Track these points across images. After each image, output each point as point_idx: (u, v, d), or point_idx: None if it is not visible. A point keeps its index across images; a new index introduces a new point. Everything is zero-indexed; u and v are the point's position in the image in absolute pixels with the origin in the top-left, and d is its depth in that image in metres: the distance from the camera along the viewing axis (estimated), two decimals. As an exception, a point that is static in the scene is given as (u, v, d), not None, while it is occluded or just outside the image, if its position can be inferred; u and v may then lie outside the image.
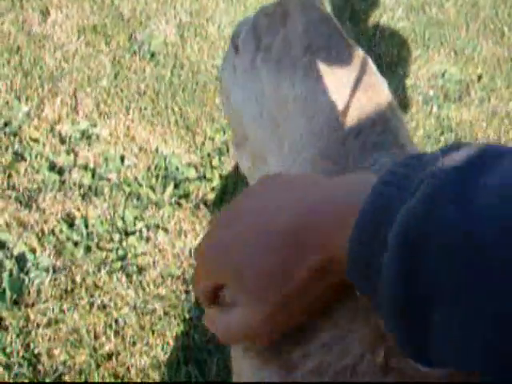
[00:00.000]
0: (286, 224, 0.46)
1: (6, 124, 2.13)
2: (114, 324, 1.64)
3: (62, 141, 2.11)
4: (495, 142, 2.39)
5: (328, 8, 2.90)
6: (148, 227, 1.87)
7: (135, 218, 1.89)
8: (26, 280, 1.69)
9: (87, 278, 1.72)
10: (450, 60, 2.77)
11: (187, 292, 1.72)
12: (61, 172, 2.00)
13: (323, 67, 0.62)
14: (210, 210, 1.93)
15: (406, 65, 2.72)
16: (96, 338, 1.61)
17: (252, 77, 0.69)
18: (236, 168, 2.03)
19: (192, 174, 2.04)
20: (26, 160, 2.01)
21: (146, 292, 1.71)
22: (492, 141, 2.39)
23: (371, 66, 0.65)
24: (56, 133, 2.13)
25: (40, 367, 1.54)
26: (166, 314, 1.67)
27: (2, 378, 1.50)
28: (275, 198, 0.49)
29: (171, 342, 1.61)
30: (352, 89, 0.61)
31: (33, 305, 1.65)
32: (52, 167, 2.01)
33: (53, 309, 1.64)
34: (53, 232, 1.82)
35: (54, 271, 1.72)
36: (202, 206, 1.95)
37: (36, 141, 2.08)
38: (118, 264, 1.76)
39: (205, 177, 2.04)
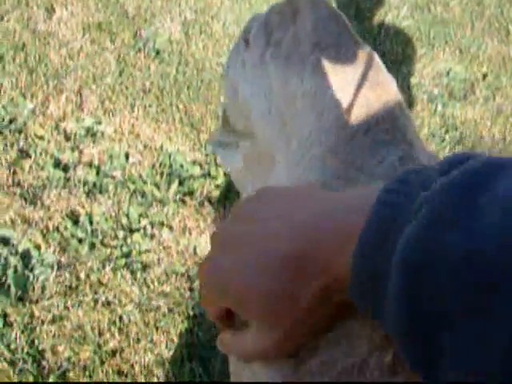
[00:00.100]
0: (287, 249, 0.45)
1: (11, 121, 2.13)
2: (118, 321, 1.64)
3: (67, 138, 2.11)
4: (500, 140, 2.39)
5: (333, 6, 2.90)
6: (152, 224, 1.87)
7: (140, 215, 1.89)
8: (31, 276, 1.69)
9: (91, 274, 1.72)
10: (455, 58, 2.77)
11: (191, 289, 1.72)
12: (65, 169, 2.00)
13: (332, 64, 0.62)
14: (214, 207, 1.93)
15: (411, 63, 2.71)
16: (100, 334, 1.61)
17: (260, 72, 0.69)
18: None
19: (197, 171, 2.04)
20: (30, 157, 2.02)
21: (151, 289, 1.71)
22: (497, 139, 2.39)
23: (379, 63, 0.65)
24: (61, 130, 2.13)
25: (44, 363, 1.54)
26: (170, 311, 1.67)
27: (6, 374, 1.51)
28: (275, 219, 0.48)
29: (175, 339, 1.62)
30: (359, 86, 0.61)
31: (37, 301, 1.65)
32: (57, 164, 2.01)
33: (57, 305, 1.65)
34: (57, 229, 1.82)
35: (59, 268, 1.73)
36: (206, 203, 1.95)
37: (41, 138, 2.09)
38: (123, 261, 1.76)
39: (209, 174, 2.04)
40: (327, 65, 0.62)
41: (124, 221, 1.86)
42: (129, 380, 1.55)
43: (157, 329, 1.64)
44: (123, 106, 2.26)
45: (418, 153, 0.57)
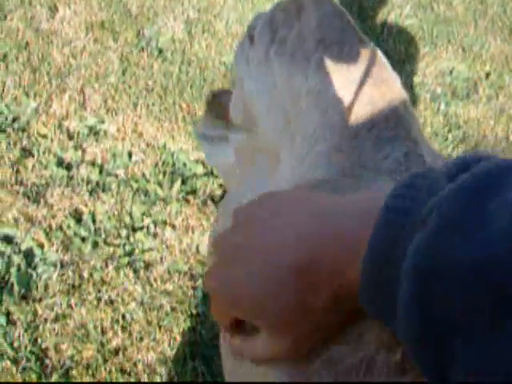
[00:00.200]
0: (295, 258, 0.45)
1: (14, 120, 2.13)
2: (121, 319, 1.64)
3: (70, 137, 2.11)
4: (503, 139, 2.39)
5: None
6: (155, 223, 1.87)
7: (143, 213, 1.89)
8: (34, 275, 1.69)
9: (94, 273, 1.72)
10: (458, 57, 2.76)
11: (194, 288, 1.72)
12: (69, 168, 2.00)
13: (336, 61, 0.62)
14: (217, 206, 1.93)
15: (414, 62, 2.71)
16: (103, 333, 1.61)
17: (265, 69, 0.69)
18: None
19: (199, 170, 2.04)
20: (33, 156, 2.02)
21: (153, 288, 1.71)
22: (500, 138, 2.39)
23: (384, 61, 0.66)
24: (64, 129, 2.13)
25: (47, 362, 1.54)
26: (173, 309, 1.67)
27: (9, 372, 1.51)
28: (280, 227, 0.48)
29: (178, 338, 1.62)
30: (362, 83, 0.62)
31: (40, 300, 1.65)
32: (60, 163, 2.01)
33: (60, 304, 1.65)
34: (60, 227, 1.83)
35: (62, 266, 1.73)
36: (209, 202, 1.95)
37: (44, 136, 2.09)
38: (126, 259, 1.76)
39: (212, 173, 2.04)
40: (331, 62, 0.62)
41: (127, 219, 1.87)
42: (132, 378, 1.55)
43: (160, 327, 1.64)
44: (126, 105, 2.26)
45: (423, 150, 0.57)
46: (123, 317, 1.65)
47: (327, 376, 0.48)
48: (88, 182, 1.96)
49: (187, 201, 1.95)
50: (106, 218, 1.86)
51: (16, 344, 1.56)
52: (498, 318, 0.34)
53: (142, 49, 2.54)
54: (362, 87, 0.60)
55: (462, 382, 0.36)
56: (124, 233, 1.83)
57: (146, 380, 1.55)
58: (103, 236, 1.82)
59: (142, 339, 1.61)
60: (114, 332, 1.61)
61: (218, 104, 0.85)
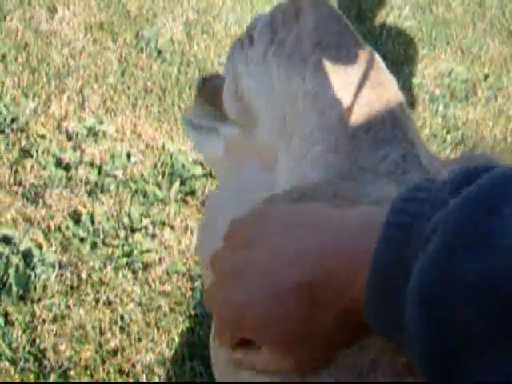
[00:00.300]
0: (297, 275, 0.44)
1: (13, 120, 2.14)
2: (119, 320, 1.64)
3: (69, 137, 2.11)
4: (501, 140, 2.39)
5: (334, 6, 2.90)
6: (154, 224, 1.87)
7: (141, 214, 1.89)
8: (32, 276, 1.69)
9: (93, 274, 1.72)
10: (457, 59, 2.77)
11: (193, 289, 1.72)
12: (67, 168, 2.00)
13: (333, 64, 0.63)
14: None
15: (413, 64, 2.71)
16: (101, 333, 1.61)
17: (263, 69, 0.69)
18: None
19: (198, 171, 2.05)
20: (32, 156, 2.02)
21: (152, 288, 1.71)
22: (498, 140, 2.39)
23: (380, 63, 0.66)
24: (63, 129, 2.13)
25: (46, 362, 1.54)
26: (171, 310, 1.68)
27: (8, 373, 1.51)
28: (280, 244, 0.46)
29: (176, 339, 1.62)
30: (360, 85, 0.62)
31: (39, 300, 1.65)
32: (58, 163, 2.01)
33: (59, 304, 1.65)
34: (59, 228, 1.83)
35: (60, 267, 1.73)
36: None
37: (43, 137, 2.09)
38: (124, 260, 1.76)
39: (211, 174, 2.04)
40: (328, 64, 0.63)
41: (125, 220, 1.87)
42: (130, 379, 1.55)
43: (158, 328, 1.64)
44: (125, 106, 2.27)
45: (419, 152, 0.57)
46: (121, 317, 1.65)
47: (328, 377, 0.48)
48: (87, 183, 1.96)
49: (186, 202, 1.95)
50: (105, 218, 1.86)
51: (14, 345, 1.56)
52: (509, 333, 0.33)
53: (141, 50, 2.54)
54: (361, 90, 0.60)
55: None
56: (122, 234, 1.83)
57: (145, 381, 1.55)
58: (102, 237, 1.82)
59: (140, 340, 1.61)
60: (112, 333, 1.61)
61: (209, 89, 0.85)
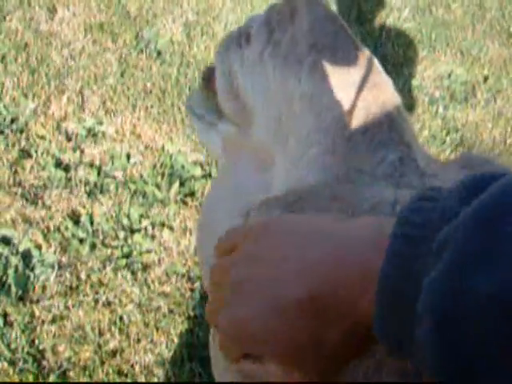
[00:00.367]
0: (303, 291, 0.43)
1: (12, 121, 2.14)
2: (118, 321, 1.64)
3: (69, 138, 2.11)
4: (500, 142, 2.39)
5: (334, 8, 2.90)
6: (153, 225, 1.87)
7: (140, 215, 1.89)
8: (32, 276, 1.69)
9: (92, 274, 1.72)
10: (456, 61, 2.77)
11: (192, 290, 1.72)
12: (67, 169, 2.00)
13: (329, 65, 0.62)
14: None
15: (412, 65, 2.72)
16: (100, 334, 1.61)
17: (259, 69, 0.69)
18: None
19: (198, 172, 2.05)
20: (32, 157, 2.02)
21: (151, 289, 1.71)
22: (497, 142, 2.39)
23: (376, 64, 0.66)
24: (62, 130, 2.13)
25: (44, 363, 1.54)
26: (170, 311, 1.68)
27: (6, 374, 1.51)
28: (283, 259, 0.45)
29: (175, 340, 1.62)
30: (358, 87, 0.62)
31: (38, 301, 1.65)
32: (58, 164, 2.01)
33: (58, 305, 1.65)
34: (58, 229, 1.83)
35: (60, 268, 1.73)
36: (207, 204, 1.95)
37: (42, 138, 2.09)
38: (123, 261, 1.76)
39: (210, 175, 2.04)
40: (324, 66, 0.62)
41: (125, 221, 1.87)
42: (129, 380, 1.55)
43: (157, 329, 1.64)
44: (124, 107, 2.27)
45: (416, 154, 0.57)
46: (121, 318, 1.65)
47: None
48: (86, 184, 1.96)
49: (185, 203, 1.95)
50: (104, 219, 1.86)
51: (13, 345, 1.56)
52: None
53: (141, 51, 2.54)
54: (360, 93, 0.60)
55: None
56: (122, 234, 1.83)
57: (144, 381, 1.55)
58: (101, 238, 1.82)
59: (139, 341, 1.61)
60: (111, 333, 1.61)
61: (214, 80, 0.85)
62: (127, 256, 1.78)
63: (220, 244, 0.53)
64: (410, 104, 2.49)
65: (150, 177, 2.01)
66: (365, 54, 0.65)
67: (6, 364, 1.52)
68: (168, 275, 1.75)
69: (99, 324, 1.63)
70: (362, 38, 2.74)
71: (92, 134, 2.14)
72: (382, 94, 0.61)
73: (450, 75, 2.68)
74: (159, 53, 2.55)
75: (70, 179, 1.97)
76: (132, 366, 1.57)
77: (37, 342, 1.57)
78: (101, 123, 2.18)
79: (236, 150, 0.75)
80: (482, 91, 2.61)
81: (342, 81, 0.62)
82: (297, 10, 0.68)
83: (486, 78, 2.69)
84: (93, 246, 1.79)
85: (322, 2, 0.69)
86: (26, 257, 1.74)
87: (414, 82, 2.62)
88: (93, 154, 2.06)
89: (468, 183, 0.39)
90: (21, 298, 1.65)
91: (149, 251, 1.80)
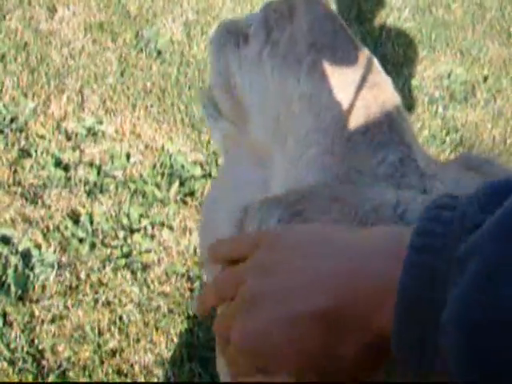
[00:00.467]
0: (319, 303, 0.42)
1: (12, 120, 2.13)
2: (118, 321, 1.64)
3: (68, 137, 2.11)
4: (500, 142, 2.39)
5: (334, 7, 2.90)
6: (153, 225, 1.87)
7: (140, 215, 1.89)
8: (31, 276, 1.69)
9: (92, 274, 1.72)
10: (456, 61, 2.77)
11: (192, 290, 1.72)
12: (66, 168, 2.00)
13: (328, 65, 0.62)
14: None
15: (412, 65, 2.71)
16: (100, 334, 1.61)
17: (257, 69, 0.69)
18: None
19: (197, 171, 2.05)
20: (31, 156, 2.02)
21: (151, 289, 1.71)
22: (497, 142, 2.39)
23: (376, 64, 0.66)
24: (62, 129, 2.13)
25: (44, 363, 1.54)
26: (170, 311, 1.68)
27: (6, 374, 1.51)
28: (299, 271, 0.45)
29: (175, 340, 1.62)
30: (357, 87, 0.62)
31: (37, 301, 1.65)
32: (58, 164, 2.01)
33: (57, 305, 1.65)
34: (58, 228, 1.83)
35: (59, 267, 1.73)
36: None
37: (42, 137, 2.09)
38: (123, 261, 1.76)
39: (210, 175, 2.04)
40: (323, 66, 0.62)
41: (125, 221, 1.87)
42: (128, 380, 1.55)
43: (157, 329, 1.64)
44: (124, 106, 2.27)
45: (416, 155, 0.57)
46: (120, 318, 1.65)
47: None
48: (86, 183, 1.96)
49: (185, 202, 1.95)
50: (104, 219, 1.86)
51: (13, 345, 1.55)
52: None
53: (141, 50, 2.54)
54: (359, 93, 0.60)
55: None
56: (121, 234, 1.83)
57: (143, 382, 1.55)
58: (101, 237, 1.82)
59: (138, 341, 1.61)
60: (110, 333, 1.61)
61: None
62: (127, 256, 1.78)
63: (223, 251, 0.52)
64: (409, 104, 2.49)
65: (149, 176, 2.01)
66: (364, 53, 0.65)
67: (5, 364, 1.52)
68: (168, 275, 1.75)
69: (99, 324, 1.63)
70: (362, 37, 2.74)
71: (92, 133, 2.14)
72: (382, 93, 0.61)
73: (449, 75, 2.68)
74: (159, 52, 2.54)
75: (69, 179, 1.97)
76: (131, 365, 1.57)
77: (36, 341, 1.57)
78: (100, 123, 2.18)
79: (235, 147, 0.75)
80: (482, 91, 2.61)
81: (342, 80, 0.62)
82: (295, 9, 0.67)
83: (485, 78, 2.69)
84: (92, 246, 1.79)
85: (321, 0, 0.69)
86: (26, 256, 1.74)
87: (414, 82, 2.62)
88: (92, 153, 2.06)
89: (487, 190, 0.38)
90: (20, 298, 1.65)
91: (148, 251, 1.80)
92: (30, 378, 1.51)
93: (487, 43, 2.89)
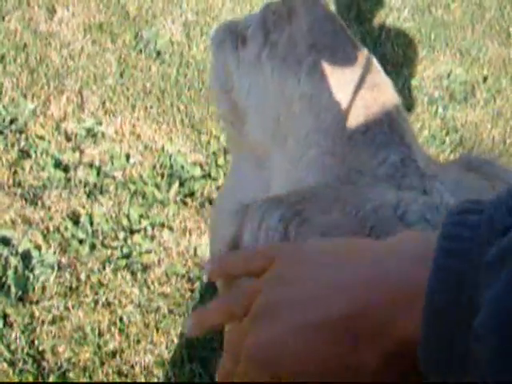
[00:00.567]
0: (340, 311, 0.41)
1: (11, 121, 2.13)
2: (118, 322, 1.64)
3: (68, 138, 2.11)
4: (500, 142, 2.39)
5: (333, 8, 2.90)
6: (153, 225, 1.87)
7: (140, 216, 1.89)
8: (31, 277, 1.69)
9: (92, 275, 1.72)
10: (456, 61, 2.77)
11: (192, 290, 1.72)
12: (66, 169, 2.00)
13: (328, 66, 0.62)
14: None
15: (412, 65, 2.71)
16: (100, 335, 1.61)
17: (256, 71, 0.69)
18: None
19: (197, 172, 2.05)
20: (31, 157, 2.02)
21: (151, 290, 1.71)
22: (497, 142, 2.39)
23: (376, 65, 0.66)
24: (62, 130, 2.13)
25: (44, 364, 1.54)
26: (170, 312, 1.67)
27: (6, 375, 1.51)
28: (317, 280, 0.43)
29: (175, 340, 1.62)
30: (357, 87, 0.61)
31: (37, 302, 1.65)
32: (57, 165, 2.01)
33: (57, 306, 1.65)
34: (58, 229, 1.82)
35: (59, 268, 1.73)
36: (207, 204, 1.95)
37: (42, 138, 2.09)
38: (123, 262, 1.76)
39: (210, 175, 2.04)
40: (324, 66, 0.62)
41: (124, 222, 1.87)
42: (129, 381, 1.55)
43: (157, 330, 1.64)
44: (124, 107, 2.27)
45: (416, 155, 0.57)
46: (120, 319, 1.65)
47: None
48: (85, 184, 1.96)
49: (185, 203, 1.95)
50: (104, 220, 1.86)
51: (13, 346, 1.55)
52: None
53: (140, 51, 2.54)
54: (358, 93, 0.60)
55: None
56: (121, 235, 1.83)
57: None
58: (101, 238, 1.82)
59: (139, 341, 1.61)
60: (111, 334, 1.61)
61: None
62: (127, 256, 1.78)
63: (233, 267, 0.50)
64: (409, 104, 2.49)
65: (149, 177, 2.01)
66: (364, 54, 0.65)
67: (5, 365, 1.52)
68: (168, 276, 1.75)
69: (99, 325, 1.63)
70: (361, 37, 2.73)
71: (91, 134, 2.14)
72: (382, 94, 0.61)
73: (449, 75, 2.68)
74: (158, 53, 2.54)
75: (69, 180, 1.97)
76: (132, 366, 1.57)
77: (36, 342, 1.57)
78: (100, 123, 2.18)
79: (237, 148, 0.75)
80: (482, 91, 2.61)
81: (342, 81, 0.62)
82: (295, 10, 0.67)
83: (485, 78, 2.69)
84: (92, 247, 1.79)
85: (320, 1, 0.69)
86: (26, 257, 1.74)
87: (414, 82, 2.62)
88: (92, 154, 2.06)
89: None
90: (20, 299, 1.65)
91: (148, 252, 1.80)
92: (31, 379, 1.51)
93: (487, 43, 2.89)
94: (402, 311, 0.39)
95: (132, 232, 1.85)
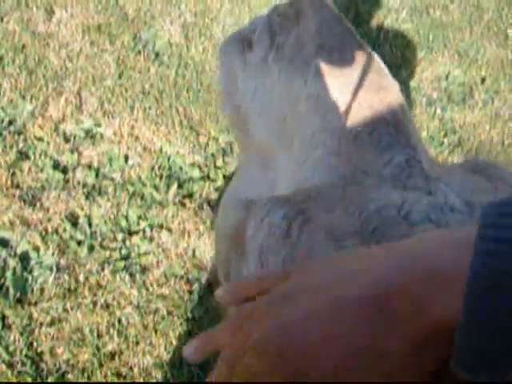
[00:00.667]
0: (367, 293, 0.38)
1: (10, 122, 2.13)
2: (117, 323, 1.64)
3: (66, 140, 2.11)
4: (498, 143, 2.39)
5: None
6: (151, 227, 1.87)
7: (139, 217, 1.89)
8: (30, 279, 1.69)
9: (90, 277, 1.72)
10: (454, 62, 2.77)
11: (190, 292, 1.72)
12: (65, 171, 2.00)
13: (335, 67, 0.62)
14: (213, 210, 1.93)
15: (410, 67, 2.72)
16: (99, 337, 1.61)
17: (262, 74, 0.69)
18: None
19: (196, 173, 2.04)
20: (30, 158, 2.01)
21: (150, 291, 1.71)
22: (495, 143, 2.39)
23: (383, 68, 0.66)
24: (60, 132, 2.13)
25: (43, 366, 1.54)
26: (169, 313, 1.67)
27: (5, 376, 1.50)
28: (347, 264, 0.41)
29: (174, 342, 1.62)
30: (358, 85, 0.62)
31: (36, 303, 1.65)
32: (56, 166, 2.01)
33: (56, 307, 1.64)
34: (56, 231, 1.82)
35: (58, 270, 1.72)
36: (205, 206, 1.95)
37: (40, 139, 2.09)
38: (122, 263, 1.76)
39: (208, 177, 2.04)
40: (332, 67, 0.62)
41: (123, 223, 1.86)
42: (127, 382, 1.54)
43: (156, 331, 1.63)
44: (123, 108, 2.26)
45: (421, 157, 0.57)
46: (119, 321, 1.64)
47: None
48: (84, 186, 1.96)
49: (183, 204, 1.95)
50: (102, 221, 1.86)
51: (11, 348, 1.55)
52: None
53: (139, 52, 2.54)
54: (359, 89, 0.60)
55: None
56: (120, 236, 1.83)
57: (142, 384, 1.55)
58: (99, 240, 1.81)
59: (137, 343, 1.61)
60: (109, 336, 1.61)
61: None
62: (125, 258, 1.78)
63: (247, 292, 0.47)
64: (407, 105, 2.49)
65: (148, 178, 2.01)
66: (371, 55, 0.65)
67: (4, 366, 1.51)
68: (166, 277, 1.75)
69: (97, 326, 1.62)
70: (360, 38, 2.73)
71: (90, 135, 2.13)
72: (389, 96, 0.61)
73: (447, 76, 2.68)
74: (157, 54, 2.54)
75: (67, 181, 1.96)
76: (130, 368, 1.56)
77: (35, 344, 1.57)
78: (99, 125, 2.18)
79: (244, 148, 0.76)
80: (480, 92, 2.61)
81: (349, 82, 0.62)
82: (302, 12, 0.68)
83: (483, 80, 2.70)
84: (91, 248, 1.79)
85: (327, 3, 0.69)
86: (24, 259, 1.73)
87: (412, 84, 2.62)
88: (91, 155, 2.06)
89: None
90: (19, 301, 1.65)
91: (147, 253, 1.80)
92: (29, 381, 1.51)
93: (485, 44, 2.90)
94: (439, 292, 0.37)
95: (130, 233, 1.85)
